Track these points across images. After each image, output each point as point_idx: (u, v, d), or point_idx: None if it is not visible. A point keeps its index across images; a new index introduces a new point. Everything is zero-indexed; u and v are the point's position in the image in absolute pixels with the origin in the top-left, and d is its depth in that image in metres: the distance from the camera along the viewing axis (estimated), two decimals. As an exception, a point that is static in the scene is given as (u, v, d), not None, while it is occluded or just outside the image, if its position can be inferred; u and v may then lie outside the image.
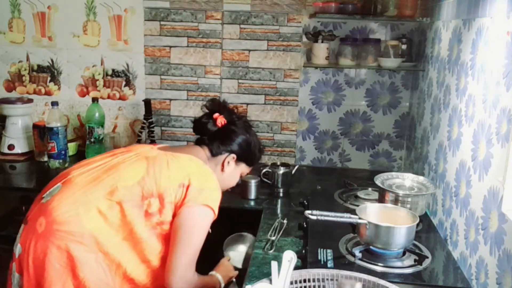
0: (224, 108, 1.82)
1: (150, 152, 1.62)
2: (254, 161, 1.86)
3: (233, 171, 1.78)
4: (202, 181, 1.56)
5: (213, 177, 1.62)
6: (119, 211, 1.46)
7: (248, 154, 1.80)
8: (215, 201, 1.57)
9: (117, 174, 1.52)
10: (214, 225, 1.60)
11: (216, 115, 1.77)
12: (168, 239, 1.53)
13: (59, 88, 2.92)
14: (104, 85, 2.88)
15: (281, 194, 2.34)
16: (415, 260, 1.57)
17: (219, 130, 1.76)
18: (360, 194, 2.17)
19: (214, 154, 1.74)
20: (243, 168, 1.82)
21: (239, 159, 1.78)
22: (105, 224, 1.46)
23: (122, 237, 1.47)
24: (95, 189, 1.49)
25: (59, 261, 1.42)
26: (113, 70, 2.86)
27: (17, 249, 1.51)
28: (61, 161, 2.57)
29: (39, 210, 1.50)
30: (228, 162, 1.75)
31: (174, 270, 1.47)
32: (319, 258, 1.57)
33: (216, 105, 1.82)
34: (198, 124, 1.81)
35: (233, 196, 2.29)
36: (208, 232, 1.57)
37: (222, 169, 1.74)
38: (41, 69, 2.90)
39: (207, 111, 1.81)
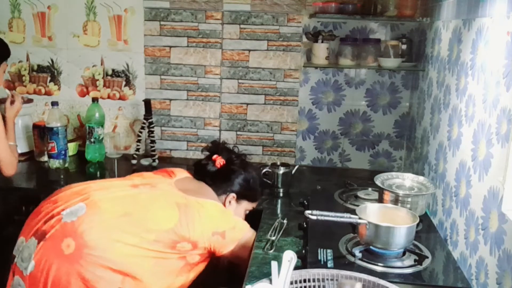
0: (223, 148, 1.94)
1: (178, 197, 1.68)
2: (256, 197, 1.96)
3: (236, 209, 1.87)
4: (229, 222, 1.73)
5: (230, 211, 1.82)
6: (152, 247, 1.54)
7: (248, 191, 1.91)
8: (245, 223, 1.81)
9: (150, 215, 1.58)
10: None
11: (215, 156, 1.88)
12: (191, 268, 1.65)
13: (59, 88, 2.92)
14: (104, 85, 2.88)
15: (281, 194, 2.34)
16: (415, 260, 1.57)
17: (219, 170, 1.87)
18: (360, 194, 2.17)
19: (217, 194, 1.84)
20: (246, 205, 1.92)
21: (240, 197, 1.88)
22: (138, 253, 1.52)
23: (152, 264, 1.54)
24: (129, 225, 1.52)
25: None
26: (113, 70, 2.86)
27: (30, 265, 1.45)
28: (61, 161, 2.57)
29: (63, 230, 1.47)
30: (230, 202, 1.86)
31: None
32: (319, 258, 1.57)
33: (215, 147, 1.95)
34: (199, 166, 1.90)
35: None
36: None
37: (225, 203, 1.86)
38: (41, 69, 2.90)
39: (207, 153, 1.92)
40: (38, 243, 1.47)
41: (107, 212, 1.53)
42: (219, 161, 1.87)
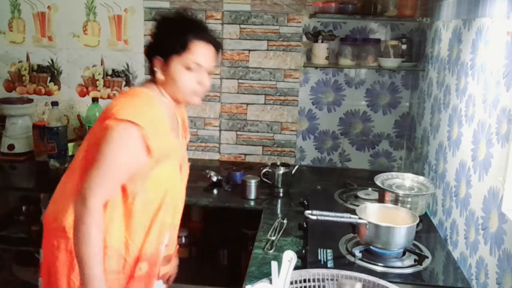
0: None
1: None
2: (177, 41, 1.47)
3: (172, 73, 1.47)
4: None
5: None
6: None
7: (161, 42, 1.50)
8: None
9: None
10: (214, 224, 1.60)
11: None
12: None
13: (59, 88, 2.92)
14: (104, 85, 2.88)
15: (281, 194, 2.33)
16: (415, 260, 1.57)
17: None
18: (360, 194, 2.17)
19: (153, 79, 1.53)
20: (179, 61, 1.46)
21: (161, 55, 1.47)
22: None
23: None
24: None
25: None
26: (113, 70, 2.86)
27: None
28: (61, 161, 2.57)
29: None
30: (156, 69, 1.49)
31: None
32: (319, 258, 1.57)
33: None
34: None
35: (233, 196, 2.29)
36: (207, 231, 1.60)
37: (158, 80, 1.50)
38: (41, 69, 2.90)
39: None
40: None
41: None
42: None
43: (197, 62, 1.47)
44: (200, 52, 1.48)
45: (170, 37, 1.49)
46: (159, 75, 1.49)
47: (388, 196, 1.88)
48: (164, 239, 1.54)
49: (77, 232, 1.34)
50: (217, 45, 1.56)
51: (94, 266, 1.33)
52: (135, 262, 1.47)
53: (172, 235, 1.62)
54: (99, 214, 1.35)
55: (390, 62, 2.51)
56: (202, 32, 1.52)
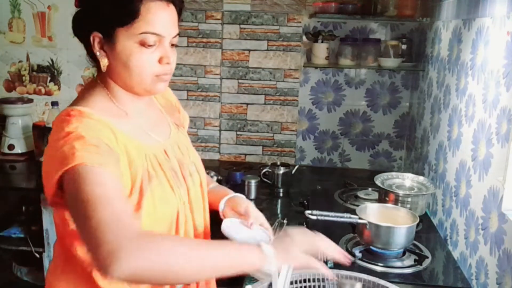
0: None
1: None
2: (121, 5, 1.02)
3: (120, 54, 1.05)
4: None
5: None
6: None
7: (97, 9, 1.05)
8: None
9: None
10: (214, 224, 1.58)
11: None
12: None
13: (59, 88, 2.92)
14: (104, 85, 2.88)
15: (281, 194, 2.34)
16: (415, 260, 1.57)
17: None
18: (360, 194, 2.17)
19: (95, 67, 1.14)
20: (127, 35, 1.03)
21: (99, 30, 1.05)
22: None
23: None
24: None
25: None
26: (113, 70, 2.85)
27: None
28: (61, 161, 2.56)
29: None
30: (96, 50, 1.08)
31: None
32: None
33: None
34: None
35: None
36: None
37: (103, 68, 1.10)
38: (41, 69, 2.90)
39: None
40: None
41: None
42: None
43: (155, 32, 1.03)
44: (156, 18, 1.02)
45: (110, 0, 1.02)
46: (103, 61, 1.07)
47: (388, 196, 1.88)
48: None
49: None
50: (179, 4, 1.09)
51: (217, 259, 0.92)
52: None
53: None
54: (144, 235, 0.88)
55: (390, 62, 2.51)
56: None
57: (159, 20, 1.03)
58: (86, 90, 1.15)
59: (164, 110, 1.28)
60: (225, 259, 0.93)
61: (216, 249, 0.93)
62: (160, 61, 1.06)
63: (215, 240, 0.98)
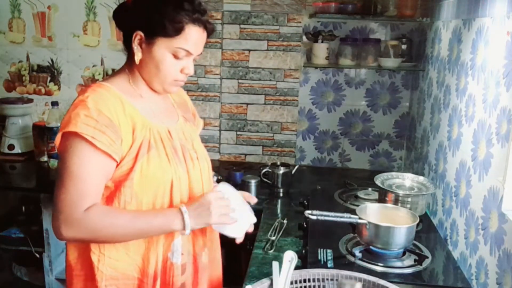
0: None
1: None
2: (170, 21, 1.20)
3: (154, 57, 1.24)
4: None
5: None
6: None
7: (149, 16, 1.22)
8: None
9: None
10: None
11: None
12: None
13: (59, 88, 2.92)
14: (104, 85, 2.88)
15: (281, 194, 2.34)
16: (415, 260, 1.57)
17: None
18: (360, 194, 2.17)
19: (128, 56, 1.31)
20: (166, 45, 1.23)
21: (144, 32, 1.22)
22: None
23: None
24: None
25: None
26: (113, 70, 2.85)
27: None
28: (61, 161, 2.56)
29: None
30: (134, 45, 1.24)
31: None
32: (319, 258, 1.57)
33: None
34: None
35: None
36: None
37: (136, 61, 1.25)
38: (41, 69, 2.90)
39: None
40: None
41: None
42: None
43: (188, 50, 1.24)
44: (193, 39, 1.24)
45: (163, 14, 1.20)
46: (138, 56, 1.24)
47: (388, 196, 1.88)
48: (173, 247, 1.29)
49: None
50: (211, 31, 1.30)
51: (143, 225, 1.21)
52: (153, 281, 1.27)
53: (187, 240, 1.33)
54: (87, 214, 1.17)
55: (390, 62, 2.51)
56: (199, 15, 1.24)
57: (194, 41, 1.25)
58: (114, 73, 1.33)
59: (176, 105, 1.45)
60: (148, 226, 1.22)
61: (141, 217, 1.22)
62: (182, 70, 1.28)
63: (147, 210, 1.24)
